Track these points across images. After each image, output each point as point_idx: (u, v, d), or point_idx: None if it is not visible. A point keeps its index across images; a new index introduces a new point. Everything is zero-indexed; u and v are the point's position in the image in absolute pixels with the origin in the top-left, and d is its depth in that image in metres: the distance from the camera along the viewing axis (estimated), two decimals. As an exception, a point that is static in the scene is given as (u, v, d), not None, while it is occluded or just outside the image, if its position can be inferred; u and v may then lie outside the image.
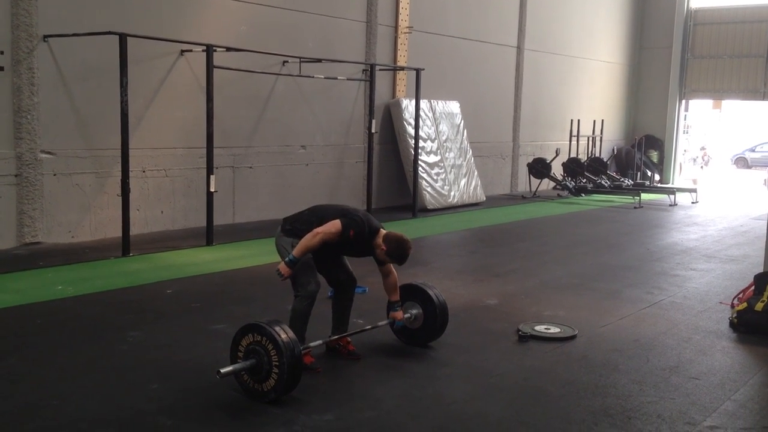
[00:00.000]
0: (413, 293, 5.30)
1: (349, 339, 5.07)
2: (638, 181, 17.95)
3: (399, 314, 5.15)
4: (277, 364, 4.11)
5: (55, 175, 8.58)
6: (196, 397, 4.28)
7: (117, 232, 8.50)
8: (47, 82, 8.41)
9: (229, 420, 3.98)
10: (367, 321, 5.37)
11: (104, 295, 6.57)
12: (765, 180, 20.74)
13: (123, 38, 7.96)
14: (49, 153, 8.51)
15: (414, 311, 5.25)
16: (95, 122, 8.91)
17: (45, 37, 8.30)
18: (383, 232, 4.88)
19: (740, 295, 6.29)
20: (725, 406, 4.39)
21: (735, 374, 4.97)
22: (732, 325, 6.00)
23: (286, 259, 4.59)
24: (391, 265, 5.02)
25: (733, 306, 6.22)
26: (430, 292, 5.26)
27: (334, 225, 4.69)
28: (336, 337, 5.01)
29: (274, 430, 3.88)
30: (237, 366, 4.21)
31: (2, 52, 8.00)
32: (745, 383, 4.79)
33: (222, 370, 4.13)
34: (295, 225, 4.88)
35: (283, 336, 4.14)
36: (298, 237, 4.74)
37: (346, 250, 4.97)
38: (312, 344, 4.69)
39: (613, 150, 19.84)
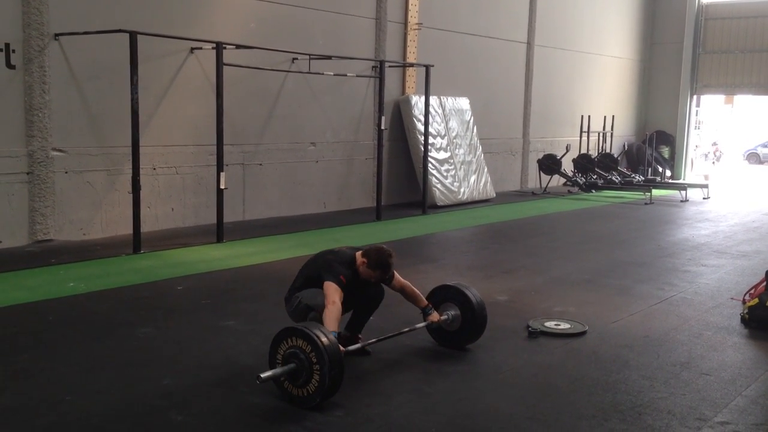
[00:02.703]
0: (450, 294, 5.18)
1: (360, 335, 5.08)
2: (649, 177, 17.89)
3: (435, 316, 5.05)
4: (318, 368, 4.03)
5: (66, 172, 8.63)
6: (207, 393, 4.31)
7: (128, 230, 8.54)
8: (58, 80, 8.46)
9: (240, 416, 4.00)
10: (376, 318, 5.36)
11: (115, 291, 6.61)
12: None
13: (133, 36, 7.99)
14: (60, 151, 8.56)
15: (451, 312, 5.12)
16: (106, 120, 8.95)
17: (56, 35, 8.35)
18: (359, 252, 4.85)
19: (752, 291, 6.26)
20: (736, 402, 4.37)
21: (746, 370, 4.95)
22: (743, 321, 5.97)
23: (333, 334, 4.34)
24: (399, 278, 4.99)
25: (744, 302, 6.19)
26: (468, 293, 5.13)
27: (332, 288, 4.60)
28: (348, 334, 5.02)
29: (284, 425, 3.90)
30: (277, 371, 4.11)
31: (14, 51, 8.05)
32: (757, 379, 4.77)
33: (262, 375, 4.03)
34: (295, 287, 4.89)
35: (324, 339, 4.05)
36: (301, 289, 4.78)
37: (359, 292, 4.91)
38: (352, 348, 4.63)
39: (624, 146, 19.76)
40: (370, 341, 4.84)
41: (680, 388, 4.57)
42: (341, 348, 4.23)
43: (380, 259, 4.77)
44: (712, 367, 4.97)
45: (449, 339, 5.20)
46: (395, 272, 4.96)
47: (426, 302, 5.11)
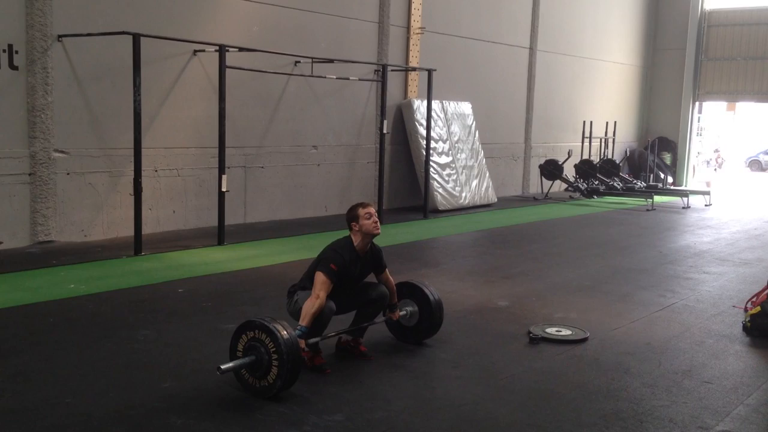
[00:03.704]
0: (409, 291, 5.35)
1: (360, 340, 5.08)
2: (651, 183, 17.87)
3: (396, 314, 5.23)
4: (276, 360, 4.12)
5: (68, 174, 8.63)
6: (206, 396, 4.30)
7: (129, 231, 8.53)
8: (61, 82, 8.46)
9: (239, 419, 3.99)
10: (381, 323, 5.36)
11: (116, 293, 6.60)
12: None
13: (137, 38, 7.99)
14: (62, 152, 8.56)
15: (409, 308, 5.31)
16: (108, 121, 8.95)
17: (59, 36, 8.35)
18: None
19: (754, 299, 6.24)
20: (738, 411, 4.35)
21: (748, 378, 4.93)
22: (745, 328, 5.96)
23: (297, 331, 4.41)
24: (388, 273, 5.08)
25: (746, 310, 6.18)
26: (426, 291, 5.30)
27: (319, 279, 4.63)
28: (345, 330, 5.04)
29: (284, 429, 3.89)
30: (237, 362, 4.23)
31: (17, 52, 8.06)
32: (759, 387, 4.75)
33: (222, 367, 4.16)
34: (298, 286, 4.90)
35: (283, 332, 4.16)
36: (302, 290, 4.78)
37: (355, 281, 4.93)
38: (312, 340, 4.61)
39: (626, 152, 19.75)
40: (329, 335, 4.87)
41: (682, 396, 4.55)
42: (301, 342, 4.34)
43: (352, 207, 4.87)
44: (714, 375, 4.96)
45: (406, 334, 5.37)
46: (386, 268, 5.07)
47: (396, 300, 5.23)
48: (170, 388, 4.39)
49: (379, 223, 4.89)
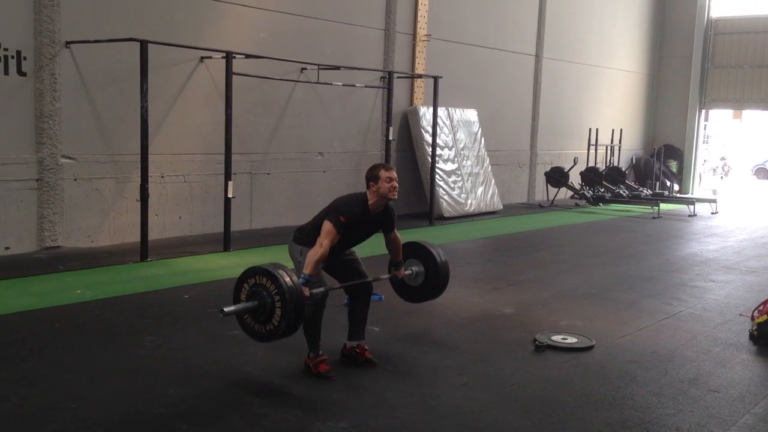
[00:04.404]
0: (416, 251, 5.33)
1: (366, 346, 5.07)
2: (657, 190, 17.82)
3: (401, 272, 5.23)
4: (279, 305, 4.11)
5: (75, 179, 8.66)
6: (212, 402, 4.30)
7: (135, 237, 8.56)
8: (69, 88, 8.50)
9: (244, 426, 3.99)
10: (382, 329, 5.36)
11: (122, 299, 6.62)
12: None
13: (144, 45, 8.03)
14: (69, 158, 8.59)
15: (415, 268, 5.30)
16: (116, 128, 8.99)
17: (67, 43, 8.40)
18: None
19: (760, 308, 6.21)
20: (744, 420, 4.33)
21: (755, 387, 4.91)
22: (752, 337, 5.93)
23: (301, 279, 4.46)
24: (397, 233, 5.09)
25: (753, 318, 6.14)
26: (433, 251, 5.29)
27: (326, 228, 4.64)
28: (353, 343, 5.02)
29: (289, 436, 3.89)
30: (240, 306, 4.23)
31: (25, 58, 8.11)
32: (765, 396, 4.73)
33: (225, 309, 4.16)
34: (304, 233, 4.89)
35: (287, 279, 4.15)
36: (308, 245, 4.74)
37: (359, 237, 4.91)
38: (316, 290, 4.55)
39: (632, 159, 19.72)
40: (333, 287, 4.86)
41: (688, 404, 4.53)
42: (306, 290, 4.34)
43: (374, 167, 4.82)
44: (721, 383, 4.94)
45: (410, 293, 5.38)
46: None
47: (401, 258, 5.24)
48: (175, 393, 4.40)
49: (396, 189, 4.85)
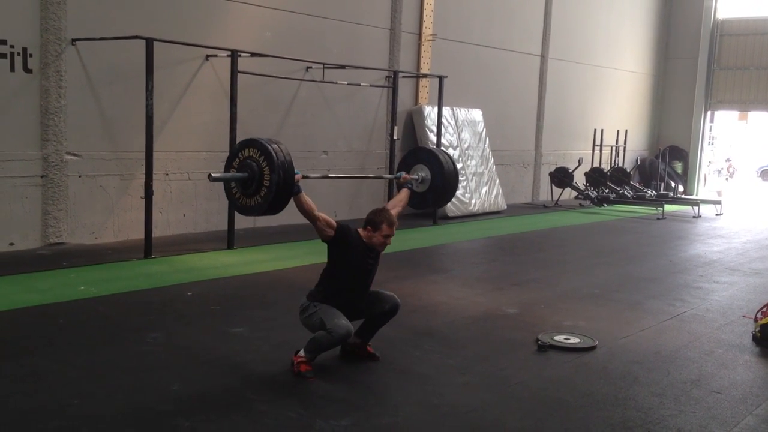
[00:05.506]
0: (423, 156, 5.34)
1: (369, 342, 5.07)
2: (662, 192, 17.79)
3: (406, 176, 5.26)
4: (267, 178, 4.08)
5: (80, 176, 8.68)
6: (214, 399, 4.31)
7: (140, 234, 8.57)
8: (74, 85, 8.52)
9: (247, 423, 4.00)
10: (385, 327, 5.35)
11: (126, 296, 6.64)
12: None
13: (150, 43, 8.04)
14: (74, 155, 8.62)
15: (422, 174, 5.29)
16: (121, 125, 9.01)
17: (73, 40, 8.42)
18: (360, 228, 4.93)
19: (764, 309, 6.20)
20: (746, 421, 4.33)
21: (757, 389, 4.90)
22: (755, 339, 5.92)
23: (296, 187, 4.52)
24: (403, 204, 5.14)
25: (756, 320, 6.13)
26: (441, 156, 5.30)
27: (327, 220, 4.74)
28: (357, 340, 5.02)
29: (291, 434, 3.90)
30: (227, 174, 4.21)
31: (31, 55, 8.13)
32: (767, 398, 4.73)
33: (213, 174, 4.15)
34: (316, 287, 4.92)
35: (280, 155, 4.13)
36: (318, 301, 4.76)
37: (358, 266, 4.86)
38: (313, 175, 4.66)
39: (637, 160, 19.69)
40: (334, 175, 4.94)
41: (690, 405, 4.53)
42: (299, 173, 4.43)
43: (381, 216, 4.82)
44: (723, 385, 4.93)
45: (416, 199, 5.36)
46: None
47: (406, 197, 5.28)
48: (178, 390, 4.41)
49: (387, 245, 4.88)
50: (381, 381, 4.76)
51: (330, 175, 4.91)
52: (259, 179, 4.10)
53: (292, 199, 4.73)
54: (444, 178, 5.21)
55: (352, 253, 4.81)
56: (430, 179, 5.26)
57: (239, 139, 9.07)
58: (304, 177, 4.54)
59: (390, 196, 11.70)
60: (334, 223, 4.77)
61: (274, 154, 4.06)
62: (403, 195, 5.31)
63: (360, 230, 4.88)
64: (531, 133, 16.41)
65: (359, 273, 4.87)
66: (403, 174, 5.29)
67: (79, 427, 3.86)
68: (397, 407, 4.32)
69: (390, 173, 11.67)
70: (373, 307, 4.97)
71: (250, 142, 4.25)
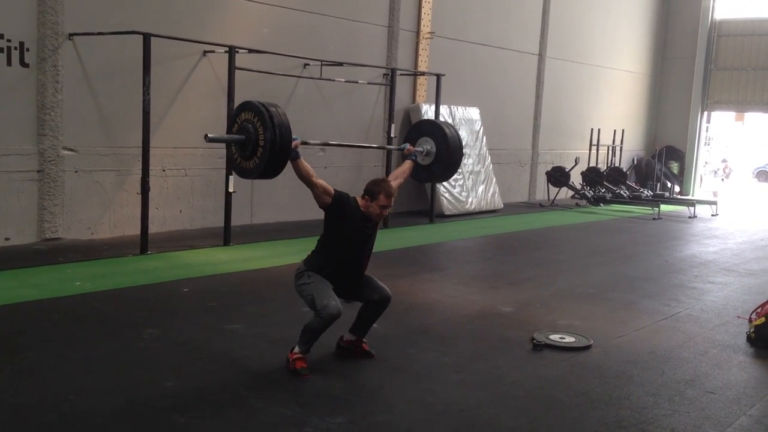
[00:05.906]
0: (428, 129, 5.35)
1: (364, 340, 5.07)
2: (658, 192, 17.83)
3: (411, 147, 5.27)
4: (262, 144, 4.10)
5: (76, 171, 8.67)
6: (210, 395, 4.31)
7: (136, 230, 8.56)
8: (71, 80, 8.51)
9: (242, 419, 4.00)
10: (381, 325, 5.36)
11: (122, 292, 6.63)
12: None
13: (147, 38, 8.03)
14: (71, 150, 8.60)
15: (426, 146, 5.31)
16: (117, 120, 8.99)
17: (70, 35, 8.40)
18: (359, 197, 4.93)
19: (758, 310, 6.22)
20: (740, 422, 4.35)
21: (751, 389, 4.92)
22: (749, 339, 5.95)
23: (294, 142, 4.57)
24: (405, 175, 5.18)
25: (750, 321, 6.16)
26: (446, 129, 5.30)
27: (325, 187, 4.76)
28: (352, 337, 5.02)
29: (286, 431, 3.90)
30: (224, 136, 4.27)
31: (28, 49, 8.11)
32: (761, 398, 4.74)
33: (210, 135, 4.18)
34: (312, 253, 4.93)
35: (276, 119, 4.15)
36: (314, 269, 4.77)
37: (354, 236, 4.85)
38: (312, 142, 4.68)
39: (633, 160, 19.72)
40: (335, 143, 4.94)
41: (684, 405, 4.55)
42: (296, 140, 4.47)
43: (380, 186, 4.82)
44: (717, 385, 4.95)
45: (421, 172, 5.39)
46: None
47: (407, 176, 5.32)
48: (173, 386, 4.41)
49: (384, 216, 4.89)
50: (376, 378, 4.77)
51: (331, 142, 4.89)
52: (255, 141, 4.14)
53: (290, 166, 4.73)
54: (449, 149, 5.21)
55: (349, 221, 4.80)
56: (434, 152, 5.26)
57: (236, 135, 9.09)
58: (303, 143, 4.56)
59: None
60: (332, 190, 4.77)
61: (267, 114, 4.09)
62: (406, 167, 5.32)
63: (358, 199, 4.88)
64: (528, 132, 16.42)
65: (355, 242, 4.86)
66: (408, 145, 5.30)
67: (73, 423, 3.86)
68: (391, 405, 4.33)
69: (387, 172, 11.68)
70: (364, 291, 4.94)
71: (246, 105, 4.30)
